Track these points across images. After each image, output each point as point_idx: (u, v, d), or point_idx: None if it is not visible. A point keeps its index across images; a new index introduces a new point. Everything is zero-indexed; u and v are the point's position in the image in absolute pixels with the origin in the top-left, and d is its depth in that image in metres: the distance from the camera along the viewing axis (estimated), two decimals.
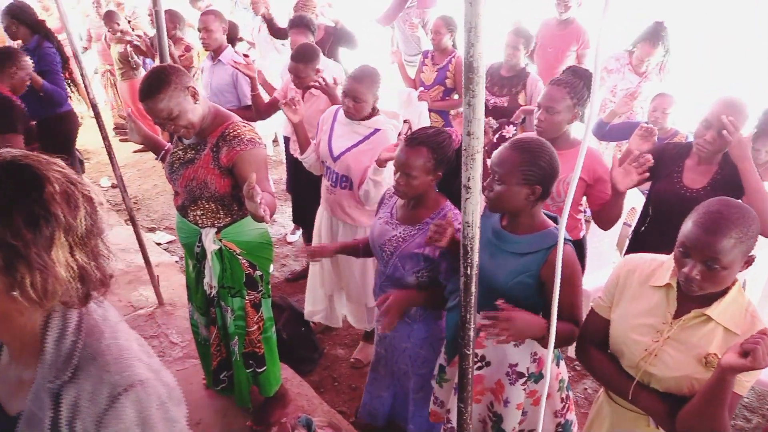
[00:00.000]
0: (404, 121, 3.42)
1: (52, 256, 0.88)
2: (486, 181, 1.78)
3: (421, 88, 4.36)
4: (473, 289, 1.39)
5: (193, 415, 2.86)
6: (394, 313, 2.07)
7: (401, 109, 4.19)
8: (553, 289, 1.29)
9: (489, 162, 1.84)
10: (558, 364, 2.01)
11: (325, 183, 2.98)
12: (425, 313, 2.23)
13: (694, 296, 1.48)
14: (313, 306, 3.28)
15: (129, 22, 6.74)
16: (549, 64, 4.57)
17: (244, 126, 2.26)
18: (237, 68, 3.52)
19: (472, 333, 1.47)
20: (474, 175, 1.24)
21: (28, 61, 3.42)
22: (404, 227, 2.13)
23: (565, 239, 1.78)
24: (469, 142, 1.21)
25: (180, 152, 2.32)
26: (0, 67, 3.30)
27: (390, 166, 2.53)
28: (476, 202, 1.27)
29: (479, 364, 1.98)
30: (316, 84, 3.14)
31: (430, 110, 4.36)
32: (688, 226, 1.45)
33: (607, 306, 1.69)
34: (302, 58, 3.26)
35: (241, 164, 2.17)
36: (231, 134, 2.20)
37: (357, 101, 2.68)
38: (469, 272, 1.36)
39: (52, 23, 6.63)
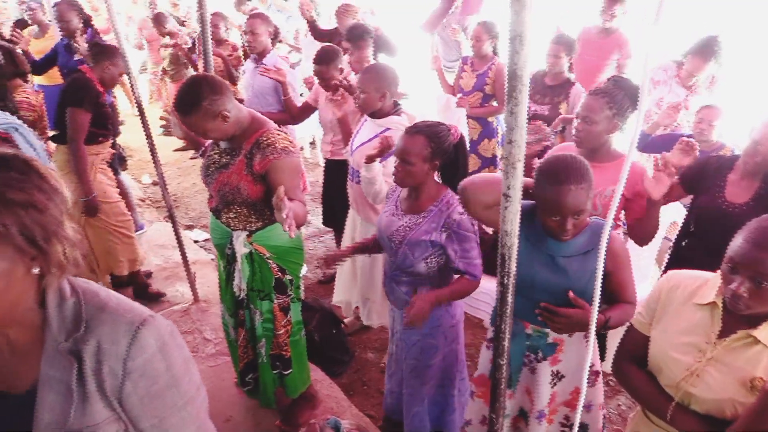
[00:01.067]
0: None
1: (66, 225, 0.97)
2: (561, 224, 1.76)
3: (460, 95, 4.34)
4: (509, 299, 1.37)
5: (224, 412, 2.90)
6: (420, 321, 2.11)
7: (439, 114, 4.19)
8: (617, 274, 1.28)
9: (548, 198, 1.77)
10: None
11: (348, 177, 3.09)
12: None
13: (740, 316, 1.43)
14: (337, 295, 3.40)
15: (183, 23, 6.89)
16: (587, 73, 4.50)
17: (279, 134, 2.28)
18: (267, 76, 3.57)
19: (506, 344, 1.45)
20: (514, 183, 1.22)
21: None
22: (410, 216, 2.20)
23: (613, 230, 1.78)
24: (510, 150, 1.20)
25: (216, 156, 2.36)
26: (97, 59, 3.49)
27: (378, 165, 2.64)
28: (515, 211, 1.26)
29: (554, 380, 1.97)
30: (338, 83, 3.18)
31: (468, 117, 4.33)
32: (737, 241, 1.40)
33: (647, 322, 1.65)
34: (324, 60, 3.34)
35: (274, 172, 2.20)
36: (265, 142, 2.22)
37: (362, 92, 2.78)
38: (505, 282, 1.34)
39: (99, 24, 6.84)
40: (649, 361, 1.64)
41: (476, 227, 2.15)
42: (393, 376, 2.58)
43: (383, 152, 2.54)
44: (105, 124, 3.59)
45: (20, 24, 6.08)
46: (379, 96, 2.76)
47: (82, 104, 3.37)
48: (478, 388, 2.17)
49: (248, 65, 4.15)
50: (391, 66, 2.90)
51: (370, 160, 2.59)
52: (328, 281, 4.14)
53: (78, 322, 0.99)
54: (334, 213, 3.57)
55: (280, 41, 5.87)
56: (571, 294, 1.74)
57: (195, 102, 2.11)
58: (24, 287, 0.95)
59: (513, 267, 1.33)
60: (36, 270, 0.94)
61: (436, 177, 2.24)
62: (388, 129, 2.76)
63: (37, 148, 2.44)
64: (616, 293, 1.88)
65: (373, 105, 2.79)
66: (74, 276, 1.05)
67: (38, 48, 5.46)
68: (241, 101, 3.99)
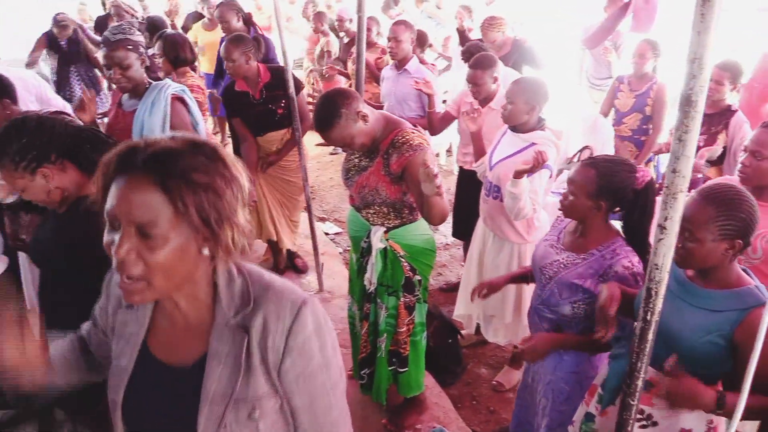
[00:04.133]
0: (585, 147, 3.28)
1: (239, 213, 1.02)
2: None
3: (615, 116, 4.14)
4: (650, 336, 1.29)
5: None
6: (534, 357, 2.04)
7: (584, 134, 4.02)
8: (751, 356, 1.14)
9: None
10: None
11: (482, 192, 3.03)
12: None
13: None
14: (459, 309, 3.35)
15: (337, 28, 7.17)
16: (753, 101, 4.08)
17: (413, 132, 2.32)
18: (418, 89, 3.61)
19: (639, 383, 1.37)
20: (673, 215, 1.15)
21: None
22: (568, 254, 2.06)
23: None
24: (673, 179, 1.13)
25: (355, 159, 2.46)
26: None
27: (525, 181, 2.54)
28: (670, 245, 1.18)
29: (644, 422, 1.82)
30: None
31: (623, 138, 4.12)
32: None
33: None
34: (480, 65, 3.28)
35: (411, 168, 2.23)
36: (400, 141, 2.28)
37: (509, 103, 2.72)
38: (648, 318, 1.27)
39: (262, 22, 7.32)
40: None
41: (639, 287, 1.94)
42: (523, 407, 2.47)
43: (536, 168, 2.47)
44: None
45: (193, 17, 6.70)
46: (527, 109, 2.70)
47: (229, 114, 3.79)
48: (588, 396, 2.06)
49: (388, 72, 4.19)
50: (542, 80, 2.83)
51: (519, 175, 2.51)
52: (450, 290, 4.13)
53: (246, 299, 1.06)
54: (466, 224, 3.55)
55: (430, 46, 5.96)
56: (670, 361, 1.55)
57: (334, 111, 2.19)
58: (195, 264, 1.02)
59: (659, 304, 1.25)
60: (206, 251, 1.00)
61: (618, 224, 2.09)
62: (533, 144, 2.70)
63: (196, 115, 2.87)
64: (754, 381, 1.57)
65: (519, 118, 2.74)
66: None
67: (207, 39, 6.00)
68: (380, 107, 4.10)
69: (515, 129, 2.80)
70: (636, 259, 1.94)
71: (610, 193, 1.94)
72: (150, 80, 2.83)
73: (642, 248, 1.98)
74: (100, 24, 6.33)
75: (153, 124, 2.69)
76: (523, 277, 2.46)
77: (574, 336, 2.07)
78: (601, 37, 4.88)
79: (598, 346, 1.99)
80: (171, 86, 2.81)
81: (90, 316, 1.30)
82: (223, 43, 3.57)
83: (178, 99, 2.81)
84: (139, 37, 2.73)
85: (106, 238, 0.98)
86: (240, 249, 1.03)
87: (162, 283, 0.98)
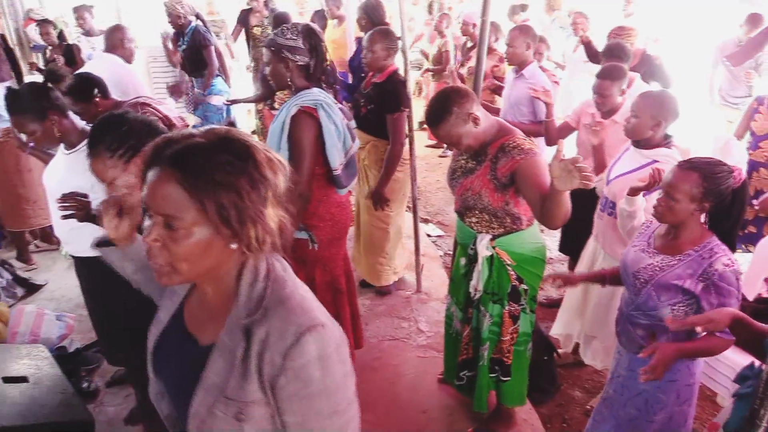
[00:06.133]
0: None
1: (267, 212, 1.03)
2: None
3: (750, 139, 3.84)
4: None
5: (422, 404, 3.00)
6: (660, 371, 1.90)
7: (716, 156, 3.76)
8: None
9: None
10: None
11: (598, 207, 2.95)
12: None
13: None
14: (557, 328, 3.29)
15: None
16: None
17: (524, 139, 2.30)
18: (536, 96, 3.52)
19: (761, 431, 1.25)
20: None
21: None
22: (663, 256, 2.03)
23: None
24: None
25: (463, 161, 2.45)
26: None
27: (641, 199, 2.44)
28: None
29: None
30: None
31: (760, 164, 3.80)
32: None
33: None
34: (608, 76, 3.18)
35: (522, 172, 2.21)
36: (510, 145, 2.25)
37: (634, 116, 2.61)
38: None
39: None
40: None
41: (740, 284, 1.91)
42: (602, 422, 2.38)
43: (651, 186, 2.37)
44: None
45: (319, 14, 6.92)
46: (652, 124, 2.58)
47: (401, 108, 3.61)
48: None
49: (508, 76, 4.18)
50: (673, 96, 2.68)
51: (634, 192, 2.43)
52: (550, 305, 4.00)
53: (259, 305, 1.06)
54: (574, 240, 3.42)
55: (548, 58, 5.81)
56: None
57: (445, 109, 2.22)
58: (222, 257, 1.05)
59: None
60: (233, 246, 1.03)
61: (702, 219, 2.04)
62: (656, 161, 2.56)
63: (338, 124, 2.59)
64: None
65: (642, 132, 2.62)
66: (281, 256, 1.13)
67: (332, 36, 6.18)
68: (497, 111, 4.05)
69: (638, 144, 2.69)
70: (733, 257, 1.91)
71: (713, 195, 1.92)
72: (307, 86, 2.57)
73: (730, 247, 1.97)
74: (243, 18, 6.65)
75: (273, 132, 2.55)
76: (601, 278, 2.42)
77: (691, 342, 1.97)
78: (750, 55, 4.56)
79: (720, 346, 1.91)
80: (305, 98, 2.51)
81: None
82: (369, 33, 3.63)
83: (307, 112, 2.49)
84: (291, 42, 2.52)
85: (144, 223, 1.04)
86: (268, 246, 1.06)
87: (187, 270, 1.03)
